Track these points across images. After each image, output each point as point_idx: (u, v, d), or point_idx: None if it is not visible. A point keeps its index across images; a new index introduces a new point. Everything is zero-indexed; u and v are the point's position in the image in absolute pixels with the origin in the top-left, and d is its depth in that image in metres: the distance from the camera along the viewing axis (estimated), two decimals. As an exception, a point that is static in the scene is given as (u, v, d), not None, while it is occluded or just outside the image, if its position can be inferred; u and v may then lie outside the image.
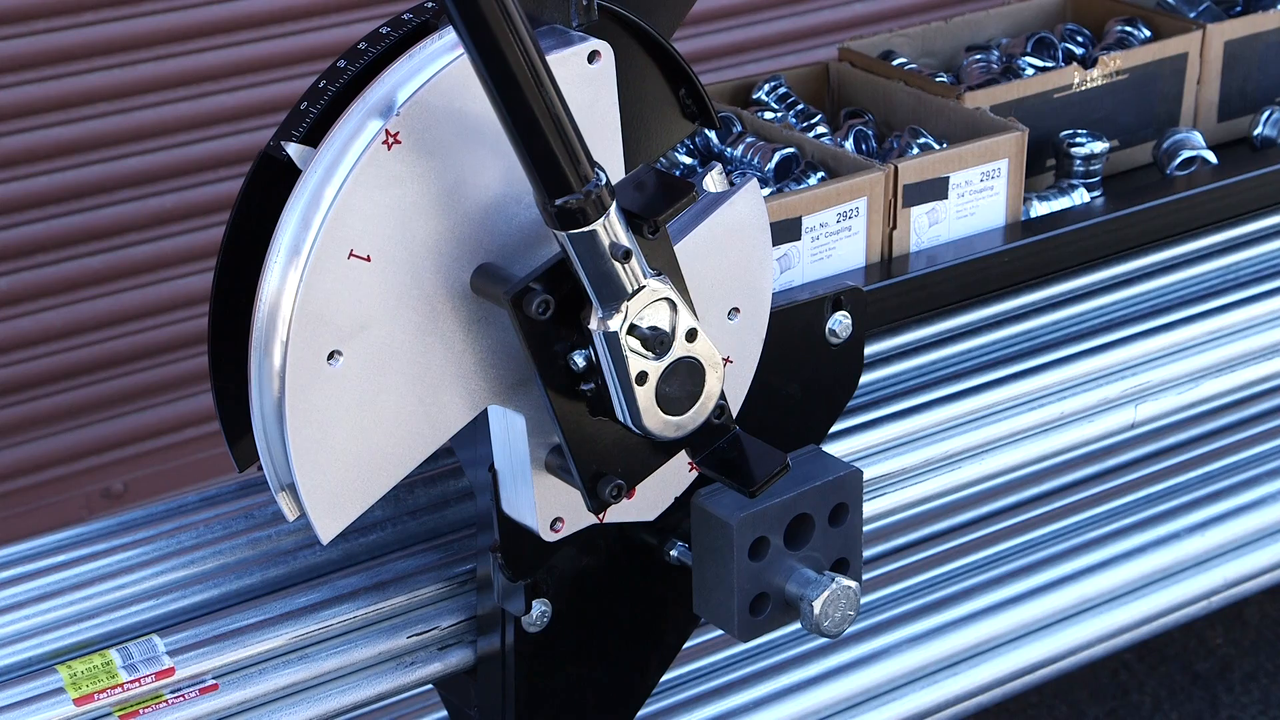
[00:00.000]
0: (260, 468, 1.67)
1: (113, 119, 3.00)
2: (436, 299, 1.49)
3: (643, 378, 1.49)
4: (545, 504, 1.57)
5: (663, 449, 1.57)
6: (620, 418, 1.51)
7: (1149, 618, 2.24)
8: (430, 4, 1.52)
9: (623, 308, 1.47)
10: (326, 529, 1.49)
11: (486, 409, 1.55)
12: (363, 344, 1.47)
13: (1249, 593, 2.33)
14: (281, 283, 1.44)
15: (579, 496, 1.56)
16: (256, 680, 1.62)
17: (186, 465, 3.19)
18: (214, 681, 1.60)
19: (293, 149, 1.48)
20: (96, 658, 1.58)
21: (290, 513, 1.50)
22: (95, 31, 2.95)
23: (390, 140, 1.44)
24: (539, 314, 1.46)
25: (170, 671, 1.58)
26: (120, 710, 1.56)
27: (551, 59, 1.41)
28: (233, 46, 3.07)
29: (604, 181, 1.42)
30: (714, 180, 1.59)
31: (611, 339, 1.48)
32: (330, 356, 1.45)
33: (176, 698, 1.58)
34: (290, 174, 1.47)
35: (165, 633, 1.61)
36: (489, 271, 1.50)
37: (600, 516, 1.60)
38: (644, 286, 1.47)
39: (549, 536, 1.58)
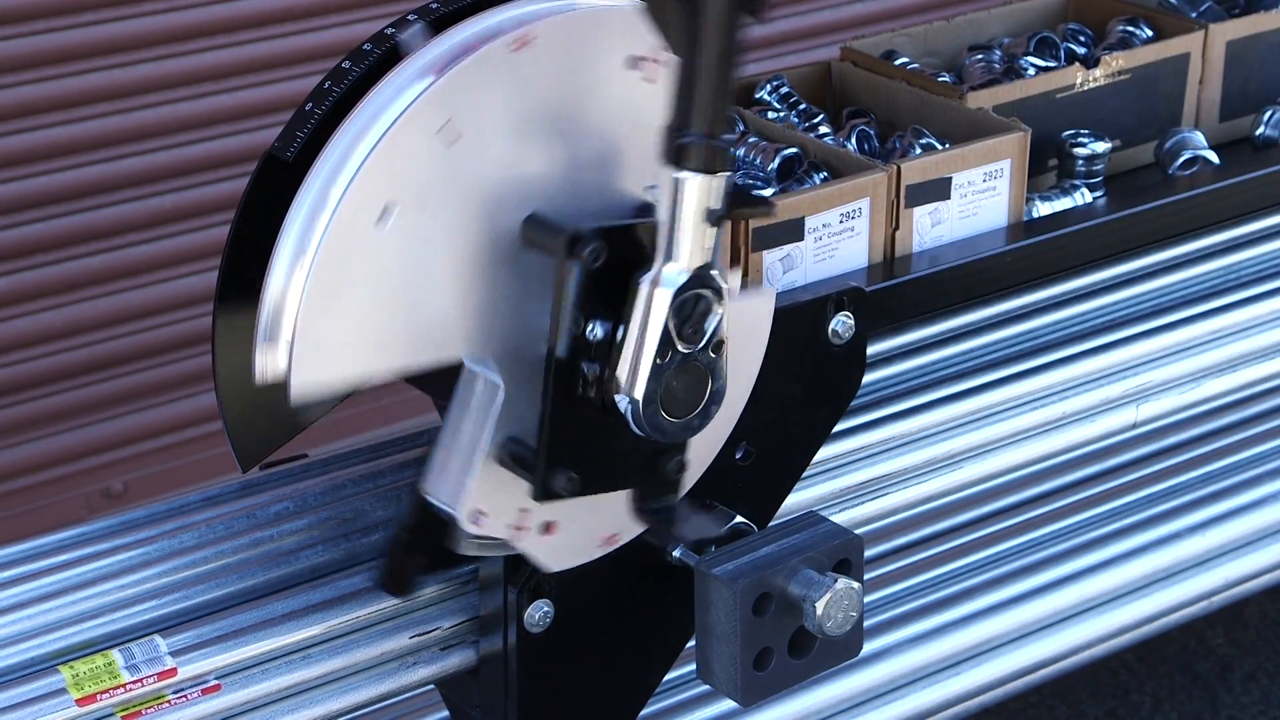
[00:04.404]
0: (262, 467, 1.68)
1: (113, 119, 2.99)
2: (492, 224, 1.50)
3: (664, 351, 1.49)
4: (480, 492, 1.54)
5: (624, 473, 1.56)
6: (618, 389, 1.50)
7: (1149, 618, 2.24)
8: (435, 4, 1.53)
9: (682, 273, 1.47)
10: (303, 383, 1.45)
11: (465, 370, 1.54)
12: (414, 218, 1.46)
13: (1249, 593, 2.33)
14: (365, 128, 1.44)
15: (511, 497, 1.54)
16: (259, 680, 1.62)
17: (187, 465, 3.19)
18: (217, 682, 1.60)
19: (407, 33, 1.50)
20: (99, 658, 1.58)
21: (268, 368, 1.45)
22: (95, 31, 2.95)
23: (521, 44, 1.46)
24: (590, 260, 1.46)
25: (173, 672, 1.58)
26: (123, 710, 1.56)
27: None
28: (233, 46, 3.07)
29: (730, 145, 1.43)
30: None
31: (659, 299, 1.47)
32: (382, 214, 1.45)
33: (179, 698, 1.58)
34: (293, 176, 1.47)
35: (168, 633, 1.61)
36: (541, 219, 1.50)
37: (516, 536, 1.57)
38: (709, 265, 1.47)
39: (466, 526, 1.54)
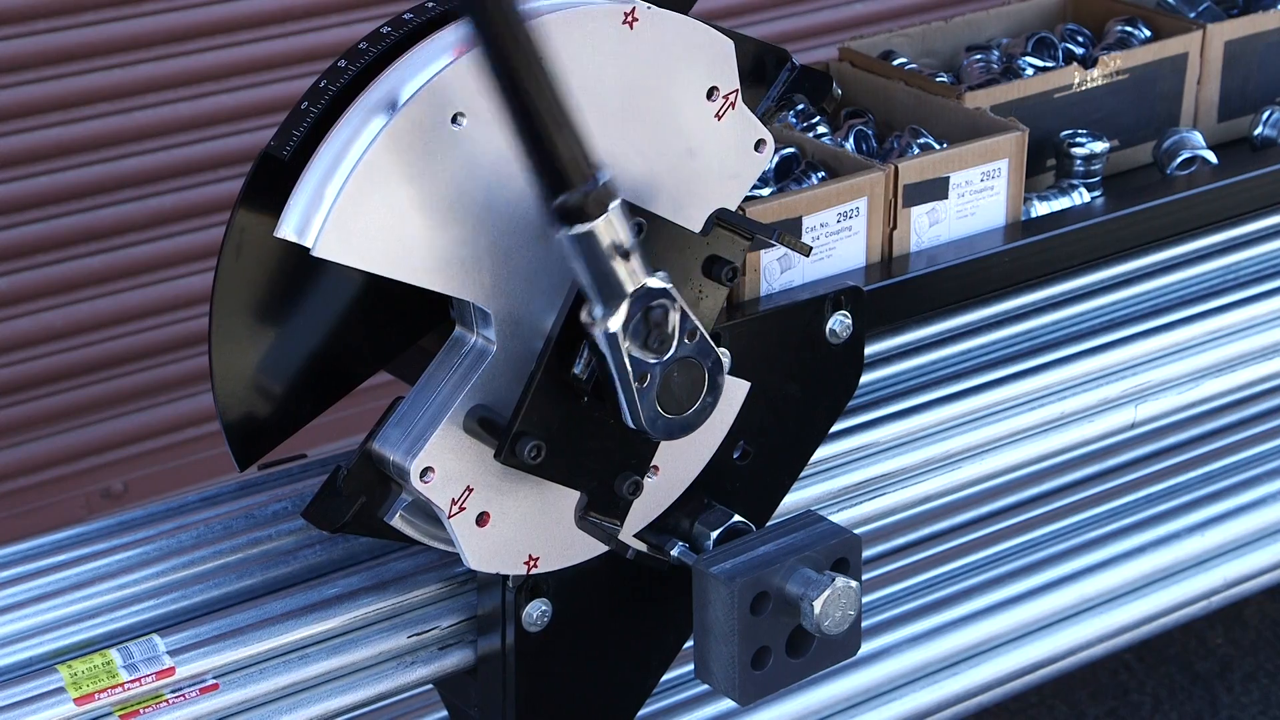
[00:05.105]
0: (261, 467, 1.68)
1: (113, 119, 3.00)
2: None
3: (642, 376, 1.50)
4: (436, 450, 1.54)
5: (584, 472, 1.57)
6: (624, 417, 1.52)
7: (1149, 618, 2.24)
8: (431, 4, 1.53)
9: (620, 312, 1.47)
10: (330, 250, 1.45)
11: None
12: (481, 135, 1.48)
13: (1249, 593, 2.33)
14: (446, 45, 1.46)
15: (463, 468, 1.54)
16: (257, 680, 1.62)
17: (186, 465, 3.19)
18: (214, 681, 1.60)
19: None
20: (97, 657, 1.58)
21: (298, 224, 1.46)
22: (95, 31, 2.95)
23: (630, 19, 1.53)
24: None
25: (171, 671, 1.58)
26: (121, 710, 1.56)
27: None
28: (233, 46, 3.07)
29: (605, 180, 1.42)
30: None
31: (612, 340, 1.48)
32: (454, 118, 1.46)
33: (177, 697, 1.58)
34: (289, 175, 1.47)
35: (166, 632, 1.61)
36: None
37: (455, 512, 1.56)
38: (644, 285, 1.48)
39: (413, 480, 1.53)
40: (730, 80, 1.62)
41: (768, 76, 1.73)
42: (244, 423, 1.57)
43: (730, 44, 1.62)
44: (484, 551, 1.59)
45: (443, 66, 1.46)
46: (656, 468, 1.65)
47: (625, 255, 1.45)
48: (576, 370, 1.53)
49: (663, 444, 1.63)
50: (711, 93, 1.61)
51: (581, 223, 1.43)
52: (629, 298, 1.48)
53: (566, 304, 1.52)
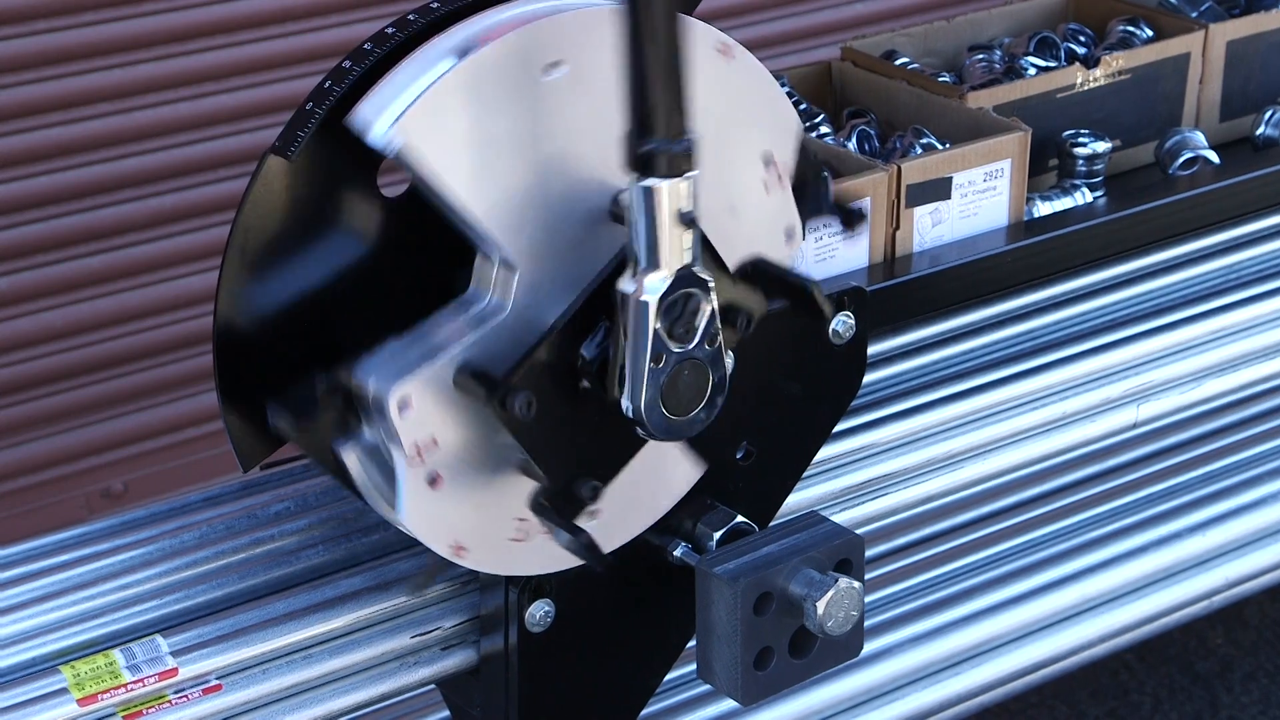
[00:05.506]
0: (262, 467, 1.67)
1: (113, 119, 3.00)
2: (603, 172, 1.52)
3: (659, 356, 1.49)
4: (419, 389, 1.50)
5: (557, 455, 1.55)
6: (623, 397, 1.51)
7: (1149, 618, 2.24)
8: (435, 4, 1.53)
9: (665, 279, 1.47)
10: (407, 134, 1.44)
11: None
12: (572, 92, 1.48)
13: (1249, 593, 2.33)
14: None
15: (439, 417, 1.50)
16: (260, 681, 1.62)
17: (187, 465, 3.19)
18: (218, 682, 1.60)
19: None
20: (100, 658, 1.58)
21: (373, 116, 1.45)
22: (95, 31, 2.95)
23: (726, 52, 1.57)
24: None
25: (174, 672, 1.58)
26: (124, 710, 1.56)
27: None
28: (233, 46, 3.07)
29: (691, 145, 1.43)
30: None
31: (644, 308, 1.47)
32: (553, 65, 1.48)
33: (180, 698, 1.58)
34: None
35: (169, 633, 1.61)
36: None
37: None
38: (692, 264, 1.48)
39: (390, 408, 1.48)
40: (787, 155, 1.62)
41: (807, 181, 1.71)
42: (247, 422, 1.56)
43: (800, 123, 1.63)
44: (422, 514, 1.54)
45: (553, 11, 1.47)
46: (599, 510, 1.62)
47: (686, 224, 1.45)
48: (585, 350, 1.52)
49: (612, 490, 1.60)
50: (768, 161, 1.62)
51: (656, 176, 1.43)
52: (673, 273, 1.47)
53: (606, 270, 1.51)
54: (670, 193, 1.44)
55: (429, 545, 1.56)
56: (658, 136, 1.42)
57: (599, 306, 1.52)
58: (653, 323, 1.48)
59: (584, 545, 1.55)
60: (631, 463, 1.61)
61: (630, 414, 1.52)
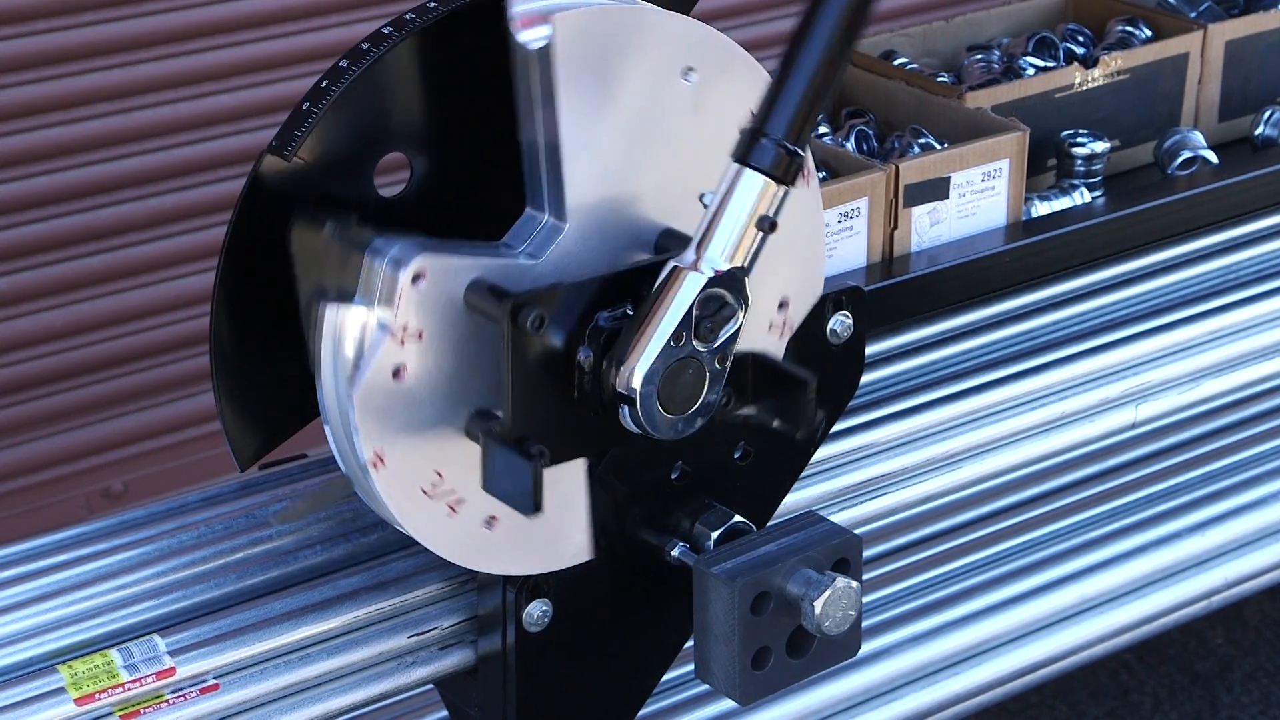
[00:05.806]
0: (261, 467, 1.67)
1: (113, 119, 3.00)
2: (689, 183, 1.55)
3: (679, 335, 1.48)
4: (440, 268, 1.46)
5: (531, 409, 1.50)
6: (621, 364, 1.49)
7: (1149, 618, 2.23)
8: (432, 4, 1.52)
9: (722, 262, 1.46)
10: (544, 33, 1.44)
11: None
12: (703, 93, 1.52)
13: (1249, 593, 2.33)
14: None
15: (444, 317, 1.47)
16: (258, 680, 1.62)
17: (186, 465, 3.19)
18: (215, 681, 1.60)
19: None
20: (97, 657, 1.58)
21: None
22: (95, 31, 2.95)
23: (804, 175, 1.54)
24: None
25: (171, 671, 1.58)
26: (121, 710, 1.56)
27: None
28: (233, 46, 3.07)
29: (803, 162, 1.44)
30: None
31: (690, 284, 1.47)
32: (686, 71, 1.51)
33: (177, 697, 1.58)
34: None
35: (166, 632, 1.61)
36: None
37: None
38: (745, 272, 1.47)
39: (403, 280, 1.44)
40: (798, 313, 1.65)
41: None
42: (248, 424, 1.56)
43: (822, 284, 1.66)
44: (371, 401, 1.47)
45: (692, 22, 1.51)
46: (496, 518, 1.58)
47: (763, 228, 1.45)
48: (601, 317, 1.51)
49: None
50: (783, 304, 1.64)
51: (758, 169, 1.43)
52: (728, 268, 1.47)
53: (653, 260, 1.51)
54: (766, 189, 1.44)
55: (356, 439, 1.48)
56: (780, 135, 1.42)
57: (630, 288, 1.51)
58: (695, 296, 1.47)
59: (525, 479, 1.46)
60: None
61: (624, 388, 1.49)
